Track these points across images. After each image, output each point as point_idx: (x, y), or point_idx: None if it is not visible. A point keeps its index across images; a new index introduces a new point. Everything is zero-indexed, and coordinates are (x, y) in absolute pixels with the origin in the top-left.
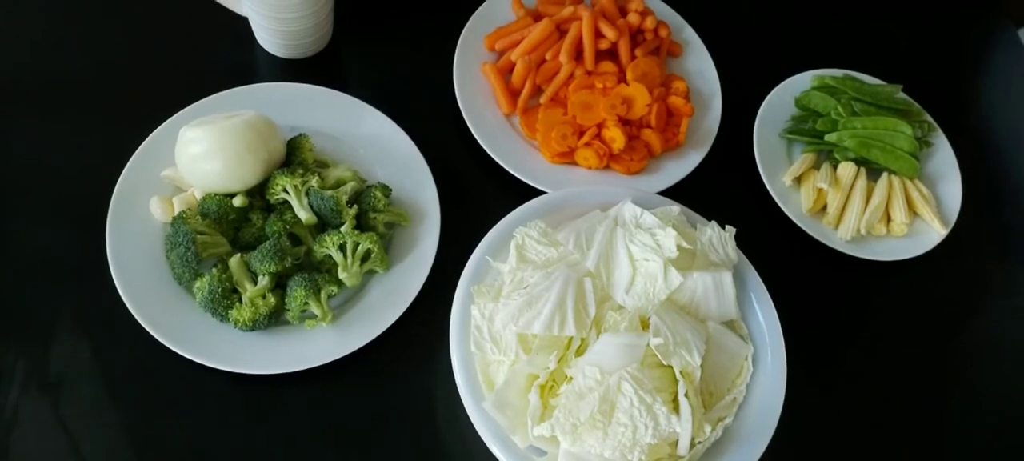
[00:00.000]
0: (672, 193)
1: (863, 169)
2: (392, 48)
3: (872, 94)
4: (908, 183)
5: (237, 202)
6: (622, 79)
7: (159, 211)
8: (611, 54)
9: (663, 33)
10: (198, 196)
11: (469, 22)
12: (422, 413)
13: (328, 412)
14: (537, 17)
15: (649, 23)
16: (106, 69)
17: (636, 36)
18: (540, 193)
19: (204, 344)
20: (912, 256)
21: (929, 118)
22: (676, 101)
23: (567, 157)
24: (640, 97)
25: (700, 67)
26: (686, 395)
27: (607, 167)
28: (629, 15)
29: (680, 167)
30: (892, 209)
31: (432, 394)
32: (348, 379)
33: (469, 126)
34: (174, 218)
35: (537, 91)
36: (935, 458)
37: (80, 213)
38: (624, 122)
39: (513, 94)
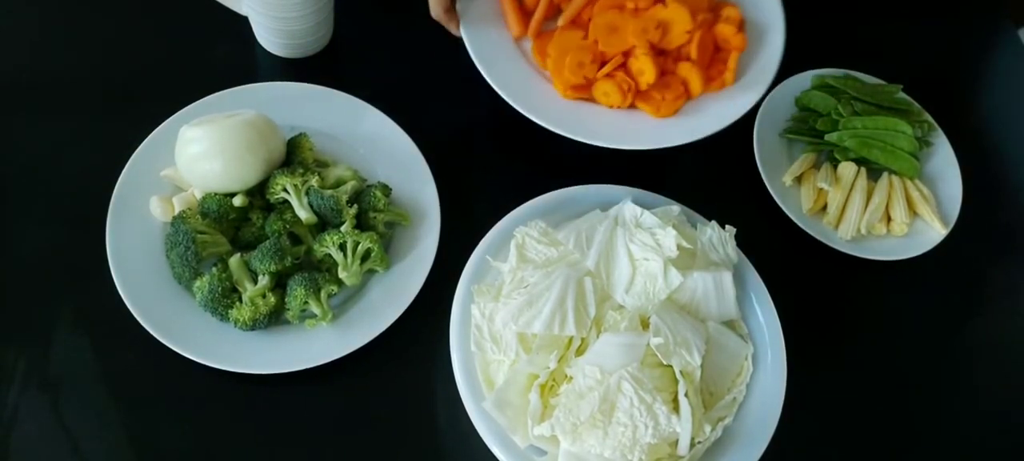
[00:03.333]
0: (672, 191)
1: (863, 169)
2: (392, 48)
3: (872, 94)
4: (908, 183)
5: (237, 201)
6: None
7: (159, 211)
8: None
9: None
10: (198, 196)
11: None
12: (422, 413)
13: (328, 412)
14: None
15: None
16: (106, 69)
17: None
18: (551, 134)
19: (204, 344)
20: (912, 256)
21: (929, 118)
22: (725, 30)
23: (584, 91)
24: (679, 21)
25: None
26: (686, 395)
27: (633, 106)
28: None
29: (724, 110)
30: (892, 209)
31: (432, 394)
32: (348, 379)
33: (467, 46)
34: (174, 218)
35: (556, 12)
36: (935, 458)
37: (80, 213)
38: (657, 52)
39: (526, 14)
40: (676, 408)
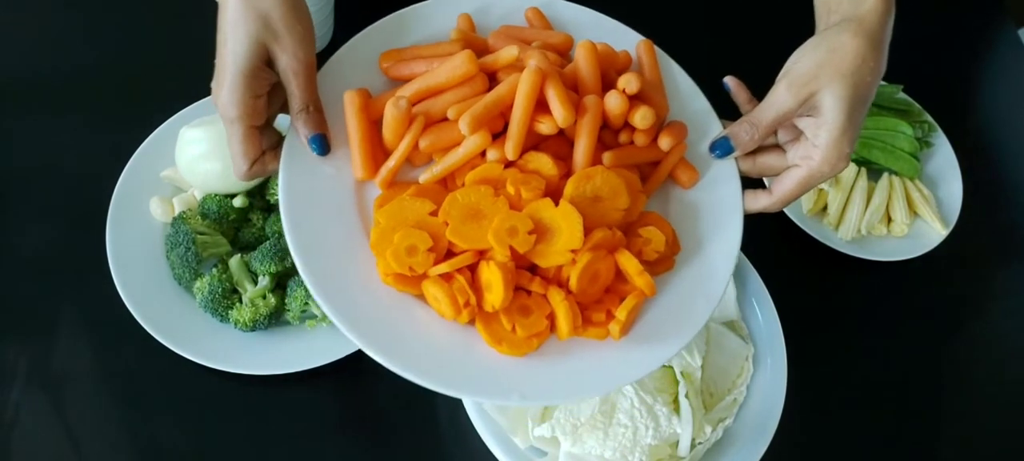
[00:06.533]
0: None
1: (863, 169)
2: None
3: None
4: (908, 183)
5: (237, 202)
6: (557, 190)
7: (159, 211)
8: (566, 142)
9: (665, 145)
10: (198, 196)
11: (385, 20)
12: (422, 413)
13: (328, 412)
14: (481, 51)
15: (641, 120)
16: (106, 69)
17: (619, 131)
18: None
19: (204, 344)
20: (912, 256)
21: (929, 118)
22: (627, 264)
23: (409, 285)
24: (566, 233)
25: (715, 200)
26: (686, 396)
27: (471, 323)
28: (609, 95)
29: (600, 371)
30: (892, 209)
31: (432, 394)
32: (348, 379)
33: (280, 177)
34: (174, 218)
35: (426, 162)
36: (935, 458)
37: (80, 213)
38: (524, 265)
39: (382, 152)
40: (676, 409)
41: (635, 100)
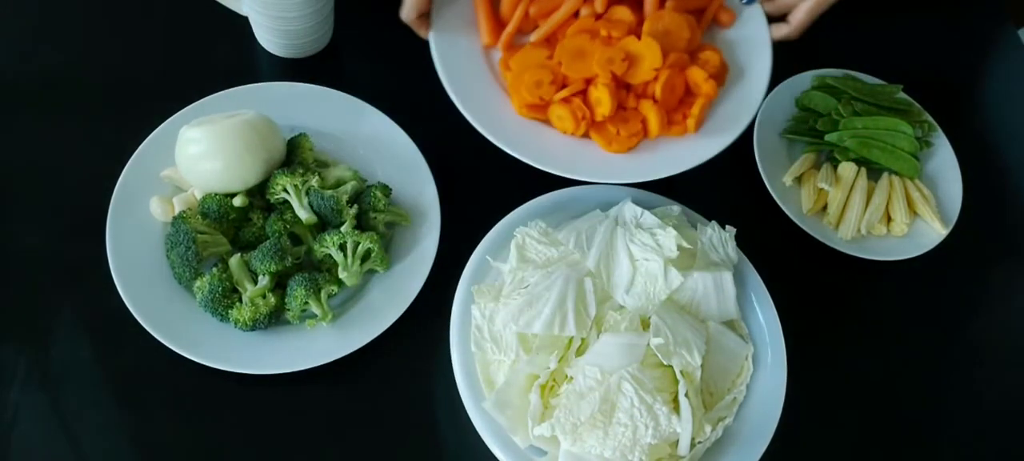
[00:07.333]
0: (672, 192)
1: (863, 169)
2: (392, 48)
3: (872, 94)
4: (908, 183)
5: (237, 202)
6: (635, 34)
7: (159, 211)
8: (635, 2)
9: None
10: (198, 196)
11: None
12: (422, 413)
13: (328, 412)
14: None
15: None
16: (106, 69)
17: None
18: (507, 155)
19: (204, 344)
20: (912, 256)
21: (929, 118)
22: (697, 75)
23: (539, 112)
24: (649, 57)
25: (749, 35)
26: (686, 395)
27: (586, 135)
28: None
29: (680, 156)
30: (892, 209)
31: (432, 394)
32: (348, 379)
33: (432, 49)
34: (174, 218)
35: (533, 26)
36: (935, 458)
37: (80, 213)
38: (621, 85)
39: (500, 24)
40: (676, 408)
41: None
